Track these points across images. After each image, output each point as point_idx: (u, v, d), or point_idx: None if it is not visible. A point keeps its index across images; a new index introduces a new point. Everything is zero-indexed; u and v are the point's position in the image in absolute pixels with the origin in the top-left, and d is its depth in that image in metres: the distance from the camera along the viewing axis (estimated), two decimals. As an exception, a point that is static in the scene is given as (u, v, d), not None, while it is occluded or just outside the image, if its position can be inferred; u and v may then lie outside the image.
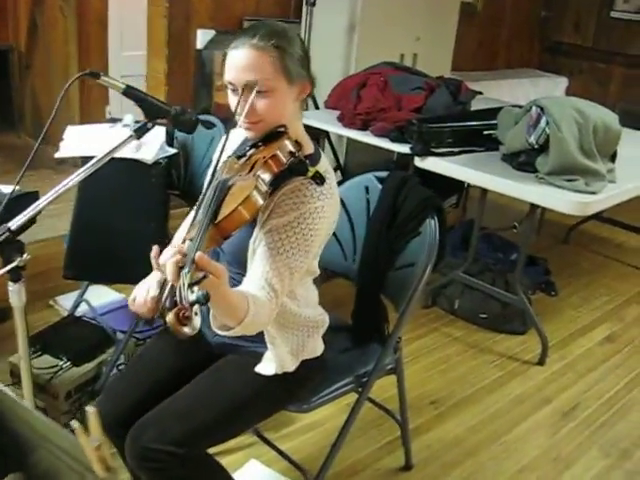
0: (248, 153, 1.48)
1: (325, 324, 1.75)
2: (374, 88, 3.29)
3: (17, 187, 2.23)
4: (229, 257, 1.60)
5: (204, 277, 1.17)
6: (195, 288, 1.15)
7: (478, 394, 2.70)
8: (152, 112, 1.40)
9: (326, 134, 3.85)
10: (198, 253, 1.20)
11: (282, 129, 1.48)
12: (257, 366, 1.63)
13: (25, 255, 1.29)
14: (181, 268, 1.18)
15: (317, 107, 3.90)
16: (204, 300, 1.12)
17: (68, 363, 2.46)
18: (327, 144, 4.10)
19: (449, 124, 3.02)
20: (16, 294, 1.33)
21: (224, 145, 1.45)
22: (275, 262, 1.45)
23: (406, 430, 2.18)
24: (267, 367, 1.62)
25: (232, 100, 1.49)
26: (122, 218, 2.24)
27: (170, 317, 1.11)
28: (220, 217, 1.30)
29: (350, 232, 2.12)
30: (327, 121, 3.41)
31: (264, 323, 1.47)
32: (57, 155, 2.24)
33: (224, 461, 2.19)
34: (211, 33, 3.92)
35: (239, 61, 1.44)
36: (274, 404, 1.71)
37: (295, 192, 1.47)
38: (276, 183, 1.47)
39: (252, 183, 1.34)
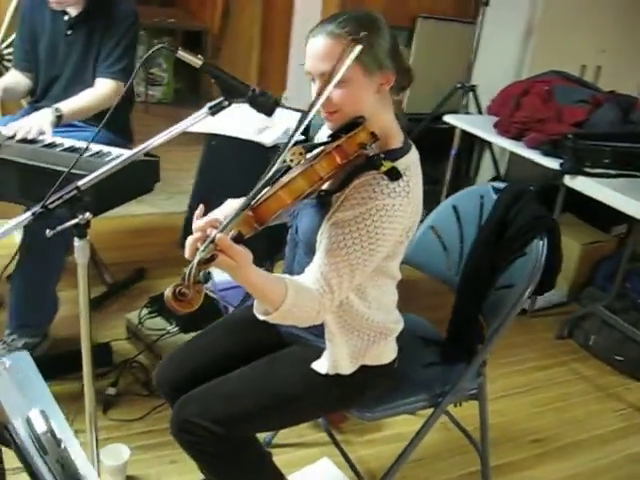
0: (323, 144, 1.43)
1: (396, 332, 1.65)
2: (536, 97, 3.09)
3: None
4: (304, 247, 1.56)
5: (212, 258, 1.18)
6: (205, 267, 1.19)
7: (591, 442, 2.43)
8: (228, 90, 1.39)
9: (485, 142, 3.69)
10: (219, 235, 1.20)
11: (361, 120, 1.41)
12: (314, 362, 1.58)
13: (87, 214, 1.33)
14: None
15: (480, 112, 3.74)
16: (204, 280, 1.17)
17: (177, 329, 2.57)
18: (488, 152, 3.92)
19: (610, 143, 2.75)
20: (80, 250, 1.38)
21: (295, 132, 1.40)
22: (334, 257, 1.39)
23: (486, 462, 2.01)
24: (322, 365, 1.57)
25: (313, 90, 1.44)
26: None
27: (168, 291, 1.15)
28: (259, 201, 1.27)
29: (458, 241, 1.99)
30: (482, 127, 3.25)
31: (311, 317, 1.41)
32: (183, 130, 2.32)
33: (299, 454, 2.20)
34: (382, 27, 3.87)
35: (314, 49, 1.39)
36: (326, 405, 1.65)
37: (365, 186, 1.39)
38: (349, 176, 1.42)
39: (300, 168, 1.29)
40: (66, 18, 2.57)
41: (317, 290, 1.39)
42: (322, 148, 1.37)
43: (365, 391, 1.65)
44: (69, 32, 2.57)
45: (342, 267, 1.39)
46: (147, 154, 2.47)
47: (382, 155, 1.40)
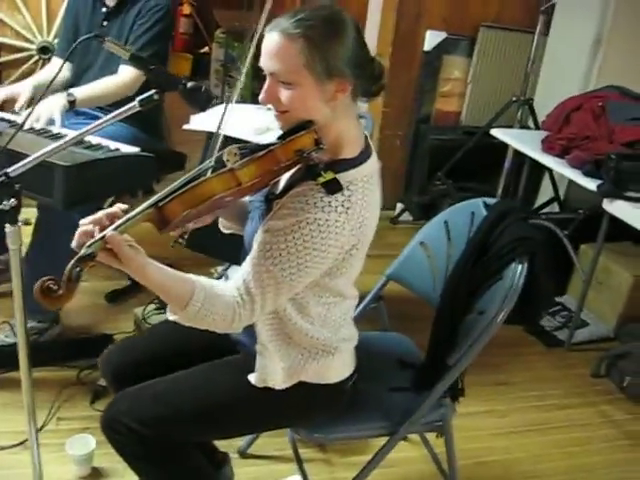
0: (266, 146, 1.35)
1: (345, 351, 1.53)
2: (588, 113, 2.86)
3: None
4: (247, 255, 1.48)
5: (89, 256, 1.14)
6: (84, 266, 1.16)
7: (599, 495, 2.20)
8: (159, 82, 1.33)
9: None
10: (111, 232, 1.16)
11: (309, 125, 1.30)
12: (251, 373, 1.49)
13: (12, 200, 1.31)
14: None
15: (537, 127, 3.51)
16: (76, 277, 1.15)
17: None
18: (547, 171, 3.68)
19: (659, 166, 2.49)
20: (11, 236, 1.37)
21: (218, 128, 1.33)
22: (259, 265, 1.31)
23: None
24: (254, 376, 1.48)
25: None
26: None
27: (38, 282, 1.13)
28: (165, 201, 1.21)
29: (445, 259, 1.85)
30: (529, 143, 3.04)
31: (224, 325, 1.33)
32: (185, 127, 2.29)
33: (273, 467, 2.12)
34: (442, 35, 3.72)
35: (266, 46, 1.30)
36: (262, 419, 1.56)
37: (299, 197, 1.30)
38: (292, 183, 1.35)
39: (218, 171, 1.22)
40: (104, 10, 2.62)
41: (235, 298, 1.31)
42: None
43: (309, 411, 1.56)
44: (105, 23, 2.62)
45: (266, 278, 1.30)
46: (170, 151, 2.50)
47: (322, 165, 1.31)
